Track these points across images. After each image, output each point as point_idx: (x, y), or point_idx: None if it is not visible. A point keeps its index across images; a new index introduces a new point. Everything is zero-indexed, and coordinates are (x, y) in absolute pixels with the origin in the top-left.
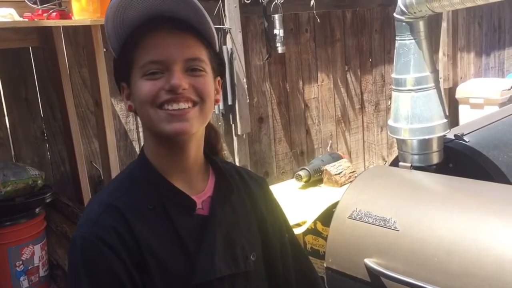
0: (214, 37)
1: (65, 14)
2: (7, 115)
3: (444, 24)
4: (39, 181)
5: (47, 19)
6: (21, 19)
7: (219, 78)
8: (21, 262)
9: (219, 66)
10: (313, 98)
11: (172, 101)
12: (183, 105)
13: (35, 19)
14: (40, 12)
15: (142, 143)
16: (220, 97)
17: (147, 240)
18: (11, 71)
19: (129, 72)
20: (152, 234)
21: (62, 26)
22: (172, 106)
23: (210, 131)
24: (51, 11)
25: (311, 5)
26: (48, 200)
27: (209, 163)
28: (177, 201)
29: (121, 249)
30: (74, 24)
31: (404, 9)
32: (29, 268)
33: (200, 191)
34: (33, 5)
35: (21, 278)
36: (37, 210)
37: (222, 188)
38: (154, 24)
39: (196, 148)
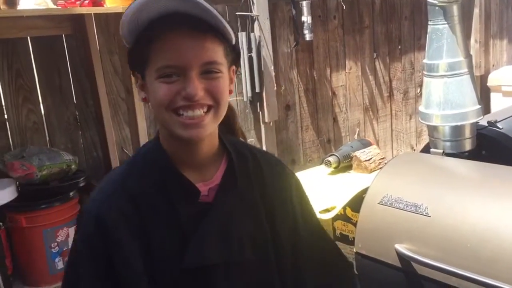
0: (230, 33)
1: (97, 1)
2: (42, 102)
3: (476, 10)
4: (73, 166)
5: (80, 6)
6: (54, 6)
7: (233, 67)
8: (56, 243)
9: (235, 57)
10: (341, 85)
11: (188, 108)
12: (198, 112)
13: (68, 7)
14: (73, 0)
15: None
16: (233, 87)
17: (151, 224)
18: (45, 58)
19: (144, 67)
20: (155, 219)
21: (94, 14)
22: (187, 113)
23: (227, 112)
24: None
25: None
26: (81, 184)
27: (223, 149)
28: (182, 188)
29: (124, 230)
30: (106, 12)
31: None
32: (64, 249)
33: (210, 178)
34: None
35: (56, 259)
36: (71, 193)
37: (230, 176)
38: (171, 22)
39: (209, 143)
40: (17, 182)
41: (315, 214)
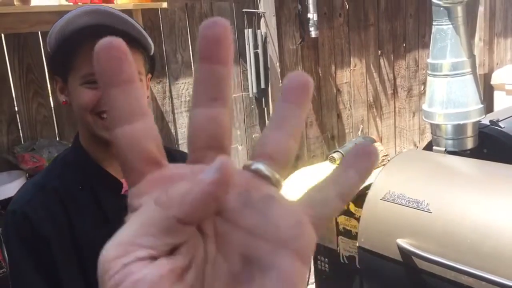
0: (150, 45)
1: None
2: (51, 95)
3: (481, 9)
4: None
5: (91, 3)
6: (66, 3)
7: (149, 75)
8: None
9: (151, 66)
10: (345, 82)
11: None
12: None
13: (80, 3)
14: None
15: (178, 125)
16: (149, 92)
17: (77, 219)
18: None
19: (67, 72)
20: (81, 214)
21: None
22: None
23: None
24: None
25: None
26: None
27: None
28: (104, 182)
29: (51, 228)
30: (117, 8)
31: None
32: None
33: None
34: None
35: None
36: None
37: None
38: (93, 33)
39: None
40: (27, 174)
41: None
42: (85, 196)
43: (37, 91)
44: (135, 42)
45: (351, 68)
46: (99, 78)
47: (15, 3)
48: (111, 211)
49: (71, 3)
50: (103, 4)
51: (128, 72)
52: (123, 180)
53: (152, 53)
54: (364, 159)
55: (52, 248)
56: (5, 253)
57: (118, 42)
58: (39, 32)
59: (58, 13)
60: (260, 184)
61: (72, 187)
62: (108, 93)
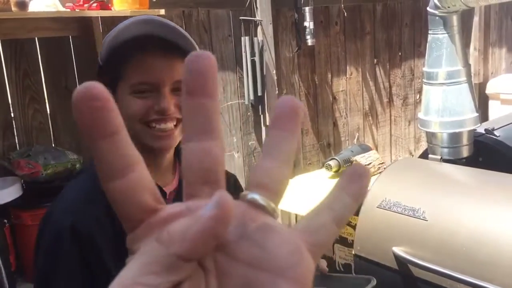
0: None
1: (105, 5)
2: (48, 102)
3: (476, 19)
4: (77, 165)
5: (88, 9)
6: (64, 9)
7: None
8: None
9: None
10: (341, 90)
11: (160, 121)
12: (169, 125)
13: (77, 9)
14: (81, 2)
15: None
16: None
17: (123, 230)
18: (52, 59)
19: (116, 82)
20: None
21: (101, 17)
22: (160, 126)
23: None
24: (92, 2)
25: None
26: None
27: (176, 157)
28: None
29: (99, 237)
30: (114, 15)
31: (437, 3)
32: None
33: (168, 184)
34: None
35: None
36: None
37: None
38: (145, 44)
39: (171, 152)
40: (22, 180)
41: None
42: None
43: (33, 97)
44: (182, 52)
45: (347, 76)
46: (83, 130)
47: (12, 9)
48: None
49: (69, 10)
50: (101, 10)
51: (114, 122)
52: (165, 189)
53: None
54: (357, 182)
55: (102, 260)
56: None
57: (98, 89)
58: (36, 38)
59: (56, 19)
60: (256, 214)
61: None
62: (95, 147)
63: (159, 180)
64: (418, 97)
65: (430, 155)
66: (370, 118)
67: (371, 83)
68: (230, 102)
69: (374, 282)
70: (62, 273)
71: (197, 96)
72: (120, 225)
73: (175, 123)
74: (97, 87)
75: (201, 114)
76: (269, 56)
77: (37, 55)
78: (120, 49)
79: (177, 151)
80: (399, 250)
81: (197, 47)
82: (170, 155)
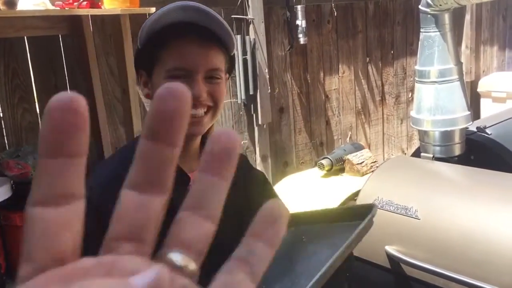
0: (233, 45)
1: (95, 3)
2: (37, 102)
3: (467, 17)
4: None
5: (78, 8)
6: (53, 7)
7: (227, 75)
8: None
9: (230, 66)
10: (334, 89)
11: (191, 106)
12: (200, 111)
13: (66, 8)
14: (71, 1)
15: None
16: (225, 91)
17: None
18: (41, 58)
19: (152, 66)
20: None
21: (91, 15)
22: (190, 111)
23: None
24: (81, 0)
25: None
26: None
27: (202, 144)
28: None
29: None
30: (104, 13)
31: (429, 1)
32: None
33: (193, 170)
34: None
35: None
36: None
37: None
38: (183, 30)
39: (198, 139)
40: (12, 181)
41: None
42: None
43: (22, 96)
44: (219, 41)
45: (340, 75)
46: (43, 140)
47: (0, 7)
48: (177, 203)
49: (58, 8)
50: (91, 8)
51: (80, 144)
52: (190, 174)
53: (233, 53)
54: (273, 226)
55: None
56: None
57: (78, 103)
58: (25, 37)
59: (45, 18)
60: (174, 276)
61: None
62: (45, 162)
63: (185, 166)
64: (410, 95)
65: (422, 154)
66: (363, 116)
67: (363, 82)
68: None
69: (375, 209)
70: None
71: (156, 141)
72: None
73: (205, 110)
74: (81, 103)
75: (153, 162)
76: (261, 55)
77: (26, 54)
78: (158, 34)
79: (204, 139)
80: (391, 249)
81: (233, 35)
82: (197, 141)
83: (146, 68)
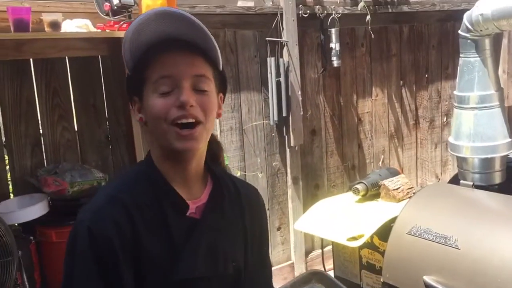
0: (219, 58)
1: None
2: (76, 120)
3: (505, 41)
4: (103, 183)
5: (118, 30)
6: (95, 30)
7: (221, 95)
8: None
9: (221, 83)
10: (367, 112)
11: (182, 117)
12: (190, 120)
13: (107, 30)
14: (111, 23)
15: None
16: (222, 111)
17: (143, 234)
18: (81, 78)
19: (142, 87)
20: (147, 229)
21: None
22: (181, 121)
23: (213, 143)
24: (121, 23)
25: (366, 20)
26: None
27: (208, 173)
28: (172, 201)
29: (117, 240)
30: None
31: (470, 26)
32: None
33: (197, 197)
34: (105, 17)
35: None
36: None
37: (215, 196)
38: (165, 45)
39: (197, 161)
40: (49, 197)
41: (268, 243)
42: (153, 212)
43: (62, 115)
44: (201, 51)
45: (373, 98)
46: None
47: (46, 29)
48: (176, 230)
49: (99, 30)
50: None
51: None
52: (189, 202)
53: (221, 69)
54: None
55: (113, 263)
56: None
57: None
58: (67, 57)
59: (86, 39)
60: None
61: (142, 202)
62: None
63: (185, 193)
64: (445, 119)
65: (461, 181)
66: (396, 140)
67: (397, 105)
68: (255, 123)
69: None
70: (79, 271)
71: None
72: (138, 228)
73: (194, 121)
74: None
75: None
76: (295, 77)
77: (67, 73)
78: (143, 55)
79: (208, 166)
80: (430, 279)
81: (213, 40)
82: (197, 165)
83: (137, 92)
